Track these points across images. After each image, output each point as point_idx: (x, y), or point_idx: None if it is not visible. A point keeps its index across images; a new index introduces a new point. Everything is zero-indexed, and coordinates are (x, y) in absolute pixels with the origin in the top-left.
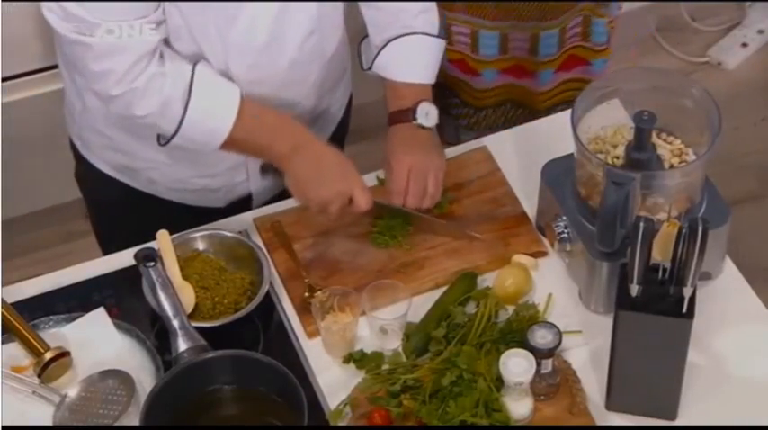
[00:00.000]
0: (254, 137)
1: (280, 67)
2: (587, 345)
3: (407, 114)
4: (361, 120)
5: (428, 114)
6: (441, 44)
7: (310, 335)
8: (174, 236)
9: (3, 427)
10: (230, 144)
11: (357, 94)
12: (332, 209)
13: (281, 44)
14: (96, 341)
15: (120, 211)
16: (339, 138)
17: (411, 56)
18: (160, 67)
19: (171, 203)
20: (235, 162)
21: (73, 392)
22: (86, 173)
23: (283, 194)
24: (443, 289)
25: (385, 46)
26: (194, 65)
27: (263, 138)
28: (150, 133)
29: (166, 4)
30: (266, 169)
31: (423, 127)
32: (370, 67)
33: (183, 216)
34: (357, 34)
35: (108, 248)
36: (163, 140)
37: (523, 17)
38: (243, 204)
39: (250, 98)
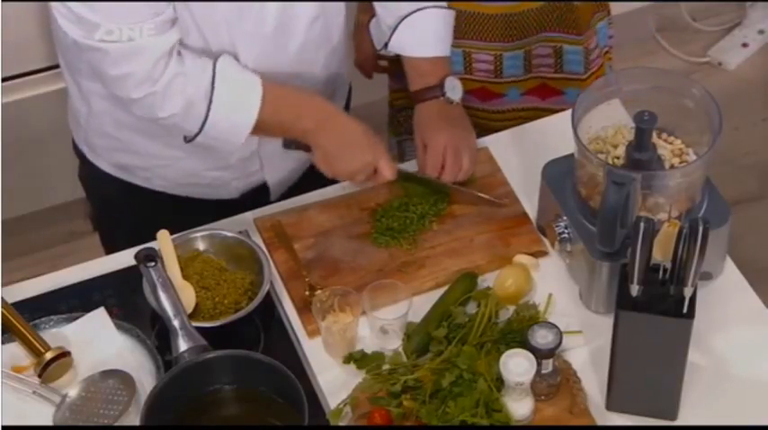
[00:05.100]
0: (278, 118)
1: (287, 55)
2: (588, 345)
3: (435, 90)
4: (363, 118)
5: (455, 88)
6: (452, 15)
7: (311, 334)
8: (175, 236)
9: (3, 427)
10: (255, 130)
11: (360, 93)
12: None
13: (289, 31)
14: (97, 341)
15: (127, 211)
16: None
17: (428, 30)
18: (180, 66)
19: (181, 199)
20: (248, 152)
21: (73, 392)
22: (92, 174)
23: (300, 185)
24: (444, 288)
25: (399, 24)
26: (214, 61)
27: (287, 118)
28: (162, 132)
29: (176, 2)
30: (289, 144)
31: (451, 102)
32: (384, 47)
33: (190, 211)
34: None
35: (111, 247)
36: (187, 139)
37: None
38: (259, 194)
39: (268, 81)
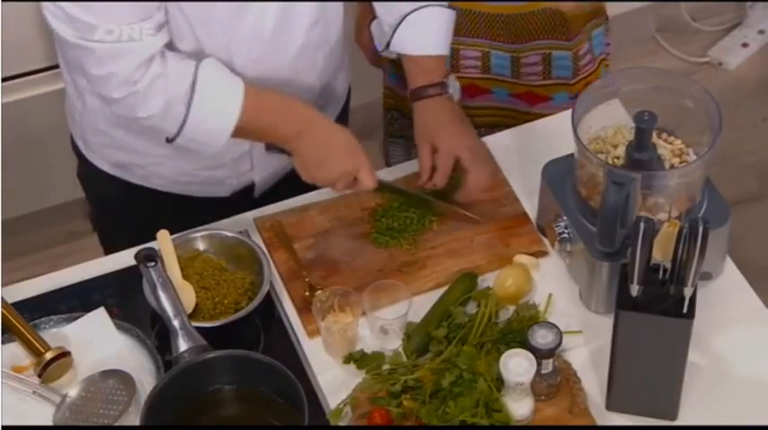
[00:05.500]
0: (258, 123)
1: (284, 60)
2: (588, 345)
3: (438, 88)
4: (360, 119)
5: (455, 86)
6: (453, 14)
7: (311, 334)
8: (175, 236)
9: (3, 427)
10: (235, 134)
11: (359, 94)
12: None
13: (287, 35)
14: (97, 341)
15: (123, 208)
16: (342, 121)
17: (430, 28)
18: (163, 67)
19: (174, 196)
20: (239, 153)
21: (73, 392)
22: (89, 171)
23: (285, 182)
24: (444, 289)
25: (400, 23)
26: (197, 65)
27: (267, 124)
28: (149, 131)
29: (169, 4)
30: (271, 147)
31: (452, 99)
32: (386, 47)
33: (187, 208)
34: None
35: (110, 247)
36: (167, 140)
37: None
38: (246, 193)
39: (252, 85)
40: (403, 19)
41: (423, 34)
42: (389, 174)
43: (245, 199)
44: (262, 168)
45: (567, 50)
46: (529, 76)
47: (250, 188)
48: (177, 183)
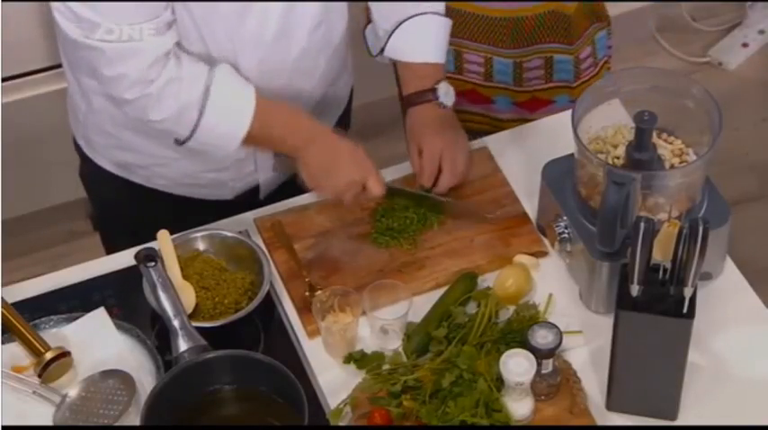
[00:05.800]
0: (269, 133)
1: (288, 60)
2: (588, 345)
3: (428, 94)
4: (363, 118)
5: (448, 93)
6: (449, 23)
7: (311, 334)
8: (175, 236)
9: (3, 427)
10: (245, 142)
11: (360, 94)
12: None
13: (291, 36)
14: (97, 341)
15: (126, 209)
16: (344, 123)
17: (425, 35)
18: (177, 70)
19: (178, 198)
20: (242, 154)
21: (73, 392)
22: (91, 171)
23: (290, 184)
24: (444, 289)
25: (396, 29)
26: (211, 69)
27: (276, 133)
28: (158, 132)
29: (176, 4)
30: (279, 164)
31: (443, 106)
32: (380, 52)
33: (190, 210)
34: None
35: (112, 247)
36: (178, 142)
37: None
38: (251, 195)
39: (262, 93)
40: (398, 25)
41: (417, 42)
42: (394, 173)
43: (248, 202)
44: (266, 169)
45: (568, 54)
46: (531, 81)
47: (254, 191)
48: (181, 185)
